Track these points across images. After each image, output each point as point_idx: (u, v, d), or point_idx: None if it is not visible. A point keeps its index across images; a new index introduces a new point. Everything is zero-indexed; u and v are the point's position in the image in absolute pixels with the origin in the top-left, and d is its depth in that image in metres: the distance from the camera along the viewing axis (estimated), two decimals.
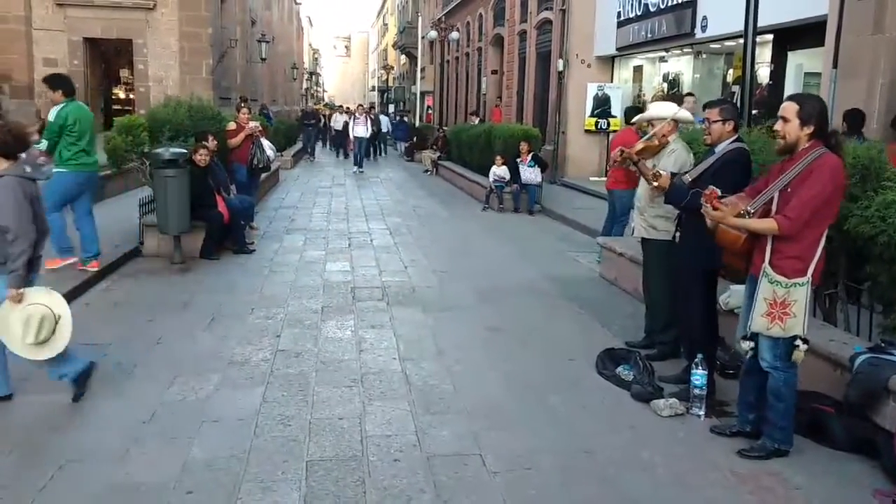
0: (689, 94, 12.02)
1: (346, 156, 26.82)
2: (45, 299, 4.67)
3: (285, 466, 4.02)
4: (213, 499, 3.70)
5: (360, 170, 21.94)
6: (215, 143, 9.90)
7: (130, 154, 9.38)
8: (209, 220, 9.06)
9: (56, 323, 4.66)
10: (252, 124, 11.12)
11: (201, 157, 9.15)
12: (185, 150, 8.88)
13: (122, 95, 26.27)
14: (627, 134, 8.12)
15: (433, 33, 32.57)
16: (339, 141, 28.54)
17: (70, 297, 7.01)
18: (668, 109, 5.84)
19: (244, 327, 6.53)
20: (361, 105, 27.53)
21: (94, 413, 4.68)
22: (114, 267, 8.43)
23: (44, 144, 7.57)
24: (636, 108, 10.14)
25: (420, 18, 35.09)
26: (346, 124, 26.84)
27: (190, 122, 10.18)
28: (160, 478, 3.88)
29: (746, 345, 4.38)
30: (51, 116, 7.80)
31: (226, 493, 3.74)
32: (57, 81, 7.96)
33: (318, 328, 6.61)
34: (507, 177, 14.34)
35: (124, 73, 25.46)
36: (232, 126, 10.95)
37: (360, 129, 22.77)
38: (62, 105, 7.77)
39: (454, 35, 31.08)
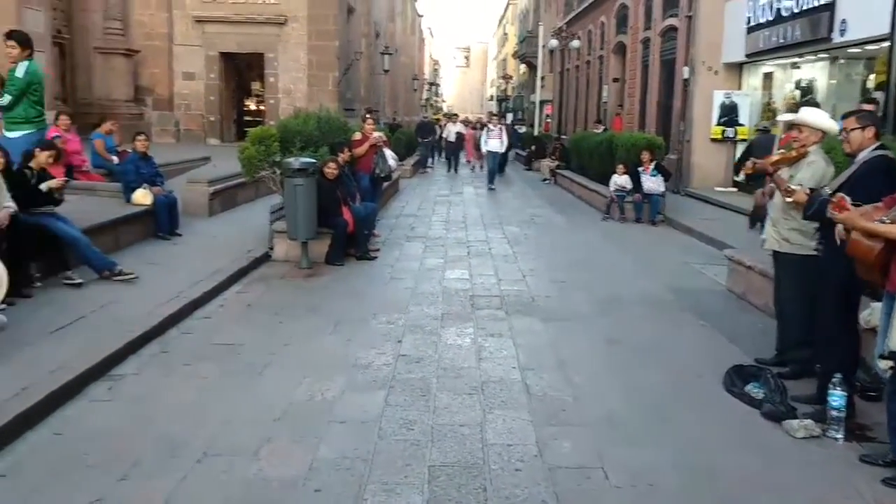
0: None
1: (457, 170, 25.41)
2: None
3: (408, 470, 4.10)
4: (339, 498, 3.81)
5: (490, 186, 19.69)
6: (348, 154, 10.23)
7: (263, 163, 9.81)
8: (335, 228, 9.35)
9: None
10: (376, 134, 11.40)
11: (330, 171, 9.45)
12: (315, 161, 9.20)
13: (252, 107, 27.51)
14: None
15: (554, 42, 32.46)
16: (452, 153, 26.36)
17: (206, 299, 7.45)
18: (818, 118, 5.54)
19: (367, 332, 6.70)
20: (495, 115, 24.89)
21: (230, 410, 4.90)
22: (246, 271, 8.81)
23: (6, 100, 7.59)
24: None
25: (541, 27, 35.04)
26: (459, 136, 26.07)
27: (318, 133, 10.55)
28: (290, 475, 4.03)
29: (885, 364, 4.14)
30: (18, 72, 7.61)
31: (352, 494, 3.84)
32: (24, 37, 7.79)
33: (438, 335, 6.70)
34: (629, 186, 14.10)
35: (255, 85, 26.66)
36: (357, 136, 11.26)
37: (494, 143, 20.30)
38: (27, 62, 7.66)
39: (575, 43, 30.85)
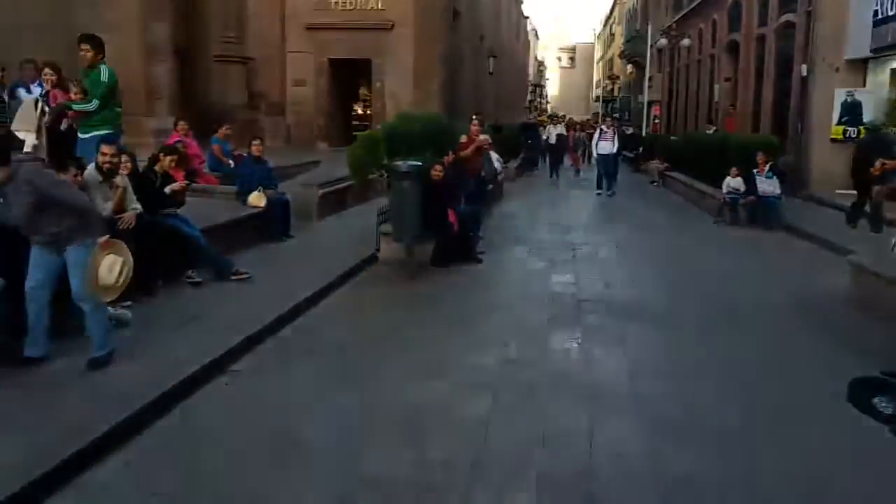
0: None
1: (559, 174, 23.42)
2: (124, 254, 5.36)
3: (516, 475, 4.07)
4: (447, 499, 3.83)
5: (608, 192, 18.45)
6: (453, 157, 10.29)
7: (371, 166, 9.98)
8: (441, 230, 9.41)
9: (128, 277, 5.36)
10: (482, 137, 11.41)
11: (436, 173, 9.52)
12: (421, 163, 9.29)
13: (359, 111, 28.04)
14: None
15: (663, 41, 31.71)
16: (553, 157, 24.36)
17: (316, 298, 7.63)
18: None
19: (474, 334, 6.71)
20: (609, 116, 22.38)
21: (340, 407, 5.00)
22: (354, 272, 8.98)
23: (95, 104, 7.63)
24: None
25: (649, 27, 34.27)
26: (560, 138, 24.61)
27: (424, 136, 10.65)
28: (399, 473, 4.08)
29: None
30: (102, 76, 7.68)
31: (459, 495, 3.85)
32: (99, 41, 7.79)
33: (545, 339, 6.64)
34: (743, 188, 13.59)
35: (362, 90, 27.16)
36: (463, 139, 11.31)
37: (606, 145, 18.74)
38: (104, 66, 7.72)
39: (685, 42, 30.04)
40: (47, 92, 8.81)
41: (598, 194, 18.41)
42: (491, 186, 13.65)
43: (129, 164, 7.24)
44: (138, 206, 6.97)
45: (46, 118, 7.78)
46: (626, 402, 5.19)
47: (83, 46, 7.64)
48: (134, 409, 4.55)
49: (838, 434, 4.68)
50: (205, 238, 7.81)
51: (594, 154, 18.93)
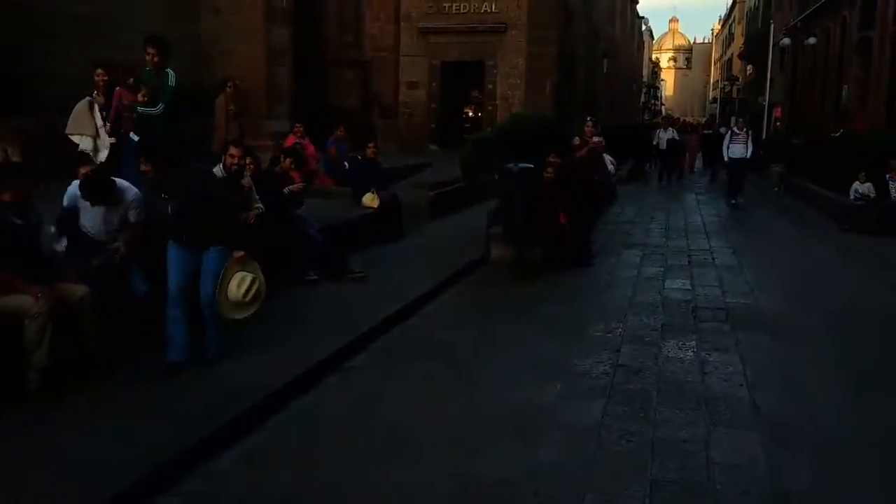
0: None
1: (670, 182, 22.05)
2: (257, 272, 5.42)
3: (629, 483, 4.00)
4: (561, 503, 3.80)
5: (733, 201, 16.75)
6: (562, 159, 10.18)
7: (482, 168, 10.01)
8: (551, 232, 9.34)
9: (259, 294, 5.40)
10: (595, 139, 11.25)
11: (548, 175, 9.47)
12: (532, 165, 9.25)
13: (470, 114, 28.20)
14: None
15: (786, 40, 30.47)
16: (665, 163, 22.70)
17: (427, 298, 7.73)
18: None
19: (584, 339, 6.62)
20: (741, 118, 19.35)
21: (451, 407, 5.04)
22: (464, 273, 9.04)
23: (161, 108, 7.33)
24: None
25: (772, 25, 32.99)
26: (672, 143, 22.50)
27: (535, 138, 10.58)
28: (510, 475, 4.08)
29: None
30: (171, 81, 7.37)
31: (571, 501, 3.81)
32: (165, 43, 7.40)
33: (658, 346, 6.48)
34: (872, 194, 12.86)
35: (474, 92, 27.31)
36: (577, 141, 11.17)
37: (739, 148, 16.87)
38: (171, 71, 7.41)
39: (811, 41, 28.74)
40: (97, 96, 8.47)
41: (736, 204, 16.47)
42: (605, 189, 13.40)
43: (251, 166, 7.53)
44: (261, 205, 7.23)
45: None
46: (744, 413, 5.01)
47: (149, 49, 7.27)
48: (251, 404, 4.73)
49: None
50: (322, 237, 8.03)
51: (725, 158, 17.10)
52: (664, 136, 22.62)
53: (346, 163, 12.66)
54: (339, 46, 21.88)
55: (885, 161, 12.83)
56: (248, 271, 5.36)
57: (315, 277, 7.78)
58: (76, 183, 5.61)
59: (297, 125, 12.30)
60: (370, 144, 11.25)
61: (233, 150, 6.86)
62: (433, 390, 5.35)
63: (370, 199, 10.50)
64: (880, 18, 22.17)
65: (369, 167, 11.02)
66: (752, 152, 17.35)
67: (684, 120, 36.59)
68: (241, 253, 5.33)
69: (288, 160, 8.18)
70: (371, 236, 10.12)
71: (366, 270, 8.17)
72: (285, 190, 7.92)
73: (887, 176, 12.65)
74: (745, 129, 17.33)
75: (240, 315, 5.37)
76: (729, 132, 17.70)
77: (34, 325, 4.56)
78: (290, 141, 11.49)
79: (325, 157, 12.83)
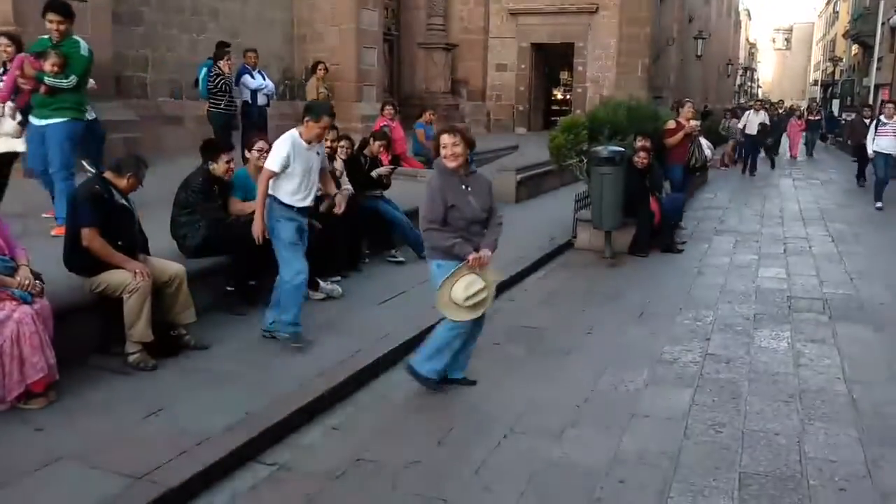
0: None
1: (753, 172, 19.77)
2: (490, 278, 4.84)
3: (717, 474, 3.91)
4: (643, 493, 3.75)
5: (881, 205, 13.72)
6: (649, 143, 9.98)
7: (570, 152, 9.89)
8: (640, 218, 9.18)
9: (482, 305, 4.80)
10: (692, 123, 10.94)
11: (640, 160, 9.30)
12: (623, 149, 9.08)
13: (559, 96, 27.89)
14: None
15: None
16: (751, 150, 20.22)
17: (512, 282, 7.71)
18: None
19: (672, 326, 6.50)
20: (891, 102, 15.25)
21: (536, 391, 5.03)
22: (549, 257, 8.98)
23: (73, 80, 6.50)
24: None
25: (882, 3, 31.29)
26: (763, 127, 20.14)
27: (627, 122, 10.40)
28: (593, 462, 4.05)
29: None
30: (83, 50, 6.57)
31: (656, 490, 3.76)
32: (68, 8, 6.59)
33: (749, 336, 6.30)
34: None
35: (563, 74, 26.97)
36: (671, 125, 10.90)
37: (888, 141, 13.87)
38: (80, 39, 6.64)
39: None
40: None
41: (879, 208, 13.61)
42: (699, 174, 13.04)
43: (348, 149, 7.67)
44: (349, 187, 7.36)
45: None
46: (840, 407, 4.83)
47: (51, 17, 6.45)
48: (340, 379, 4.84)
49: None
50: (408, 219, 8.11)
51: (870, 151, 14.20)
52: (755, 119, 20.36)
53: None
54: (428, 30, 21.98)
55: None
56: (481, 277, 4.74)
57: (401, 259, 7.89)
58: None
59: (387, 108, 12.44)
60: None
61: (327, 135, 7.00)
62: (517, 374, 5.34)
63: None
64: None
65: None
66: None
67: (790, 104, 34.87)
68: (477, 256, 4.70)
69: (377, 143, 8.27)
70: None
71: None
72: (373, 173, 8.02)
73: None
74: (894, 118, 14.07)
75: (455, 316, 4.81)
76: (875, 121, 14.64)
77: (132, 300, 4.77)
78: (379, 124, 11.62)
79: (413, 140, 12.94)
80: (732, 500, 3.66)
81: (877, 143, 13.93)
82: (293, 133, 5.33)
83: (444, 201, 4.64)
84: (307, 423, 4.40)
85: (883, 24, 30.25)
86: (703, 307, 7.10)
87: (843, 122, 30.31)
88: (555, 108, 26.47)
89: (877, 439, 4.35)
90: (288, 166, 5.24)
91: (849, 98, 45.61)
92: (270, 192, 5.32)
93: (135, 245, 5.08)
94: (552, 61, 25.65)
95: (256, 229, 5.33)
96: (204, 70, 11.07)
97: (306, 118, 5.32)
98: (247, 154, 6.54)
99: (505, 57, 23.55)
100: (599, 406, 4.80)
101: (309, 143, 5.35)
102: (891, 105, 14.18)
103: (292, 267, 5.30)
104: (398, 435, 4.36)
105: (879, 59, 32.09)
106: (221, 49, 11.09)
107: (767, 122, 20.80)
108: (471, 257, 4.66)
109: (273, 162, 5.25)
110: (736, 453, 4.15)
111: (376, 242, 8.06)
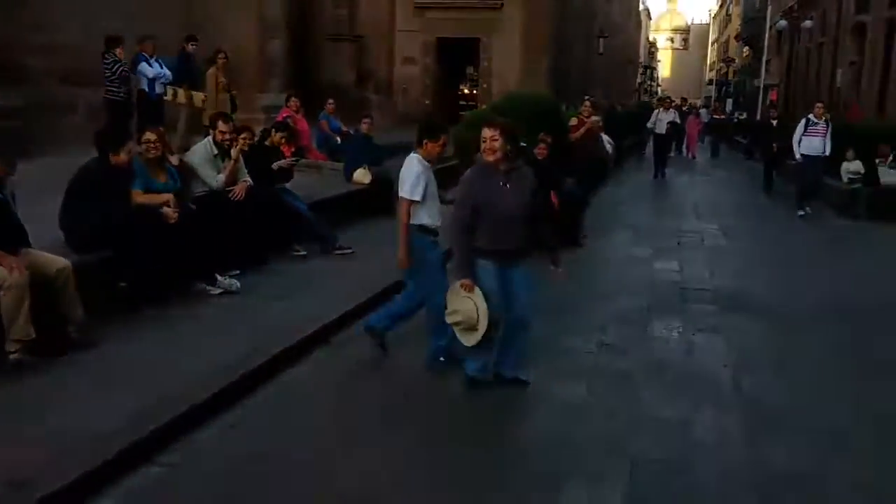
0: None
1: (664, 174, 18.71)
2: (466, 305, 4.67)
3: (609, 461, 4.04)
4: (541, 480, 3.84)
5: (807, 211, 12.90)
6: (550, 138, 10.16)
7: (476, 146, 9.96)
8: (542, 212, 9.33)
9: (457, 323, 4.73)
10: (593, 118, 11.20)
11: (541, 151, 9.46)
12: (526, 144, 9.20)
13: (466, 91, 28.07)
14: None
15: (783, 23, 30.39)
16: (659, 150, 19.20)
17: None
18: None
19: (571, 318, 6.64)
20: (821, 103, 14.00)
21: (446, 382, 5.06)
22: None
23: None
24: None
25: (769, 7, 32.85)
26: (673, 126, 19.64)
27: (531, 118, 10.55)
28: (495, 451, 4.12)
29: None
30: None
31: (553, 477, 3.85)
32: None
33: (644, 326, 6.52)
34: (862, 171, 12.78)
35: (469, 69, 27.16)
36: (574, 121, 11.14)
37: (814, 143, 12.83)
38: None
39: (807, 24, 28.65)
40: None
41: (802, 214, 12.85)
42: (603, 169, 13.34)
43: (247, 140, 7.50)
44: (248, 178, 7.22)
45: None
46: (727, 394, 5.06)
47: None
48: (239, 375, 4.75)
49: None
50: (311, 212, 8.02)
51: (797, 154, 13.10)
52: (664, 117, 19.43)
53: (337, 138, 12.61)
54: (334, 21, 21.73)
55: (875, 147, 12.82)
56: (465, 302, 4.65)
57: (303, 253, 7.78)
58: None
59: (292, 99, 12.21)
60: (365, 120, 11.18)
61: (222, 126, 6.86)
62: (421, 367, 5.35)
63: (362, 176, 10.46)
64: (875, 2, 22.09)
65: (363, 143, 10.96)
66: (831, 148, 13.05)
67: (688, 101, 35.89)
68: (469, 284, 4.61)
69: (278, 134, 8.14)
70: (362, 213, 10.10)
71: (356, 247, 8.16)
72: (274, 165, 7.89)
73: (877, 161, 12.65)
74: (823, 118, 13.06)
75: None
76: (804, 120, 13.33)
77: (8, 297, 4.53)
78: (283, 115, 11.43)
79: (316, 132, 12.77)
80: (623, 486, 3.78)
81: (804, 145, 12.94)
82: (414, 157, 5.15)
83: (473, 198, 4.58)
84: (202, 422, 4.29)
85: (770, 27, 31.73)
86: (601, 299, 7.30)
87: (736, 120, 31.55)
88: (462, 102, 26.62)
89: (759, 424, 4.59)
90: (425, 191, 5.06)
91: (741, 97, 47.69)
92: (412, 220, 5.07)
93: (10, 238, 4.81)
94: (459, 56, 25.78)
95: (402, 261, 5.13)
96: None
97: (425, 140, 5.16)
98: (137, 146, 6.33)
99: (412, 50, 23.52)
100: (502, 398, 4.85)
101: (430, 162, 5.18)
102: (820, 105, 13.52)
103: (443, 291, 4.99)
104: (298, 432, 4.31)
105: (768, 62, 33.66)
106: (116, 36, 10.68)
107: (678, 120, 20.62)
108: (463, 283, 4.61)
109: (412, 191, 5.01)
110: (628, 440, 4.29)
111: (279, 236, 7.91)
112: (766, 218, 13.03)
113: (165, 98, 11.33)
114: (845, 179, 13.13)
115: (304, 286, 6.78)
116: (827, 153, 12.78)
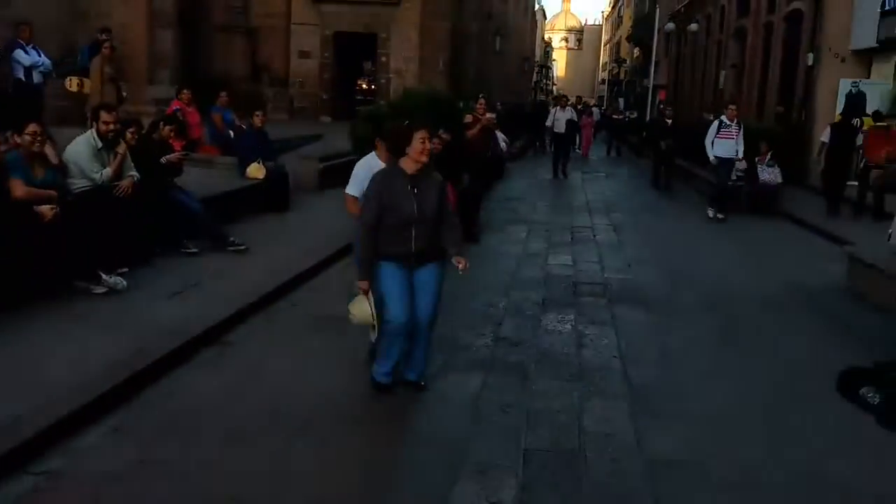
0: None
1: (566, 173, 18.69)
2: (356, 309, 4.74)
3: (504, 453, 4.09)
4: (435, 475, 3.85)
5: (719, 216, 12.58)
6: (448, 135, 10.21)
7: (373, 142, 9.91)
8: None
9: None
10: (488, 115, 11.32)
11: (436, 146, 9.48)
12: None
13: (364, 86, 27.94)
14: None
15: (670, 25, 31.54)
16: (560, 149, 18.95)
17: (312, 273, 7.64)
18: None
19: (466, 313, 6.69)
20: (732, 105, 14.04)
21: (333, 383, 5.01)
22: (352, 247, 8.93)
23: None
24: None
25: (658, 10, 34.05)
26: (571, 125, 19.54)
27: (428, 114, 10.58)
28: (387, 449, 4.11)
29: None
30: None
31: (447, 471, 3.87)
32: None
33: (538, 320, 6.65)
34: (745, 166, 13.41)
35: (367, 65, 27.02)
36: (469, 118, 11.23)
37: (728, 145, 12.64)
38: None
39: (693, 27, 29.85)
40: None
41: (720, 218, 12.55)
42: (498, 165, 13.53)
43: (134, 134, 7.21)
44: (135, 173, 6.95)
45: None
46: (616, 384, 5.21)
47: None
48: (123, 377, 4.56)
49: (828, 421, 4.70)
50: (202, 208, 7.79)
51: (710, 157, 12.78)
52: (562, 116, 19.28)
53: (231, 132, 12.31)
54: (227, 12, 21.20)
55: (756, 145, 13.47)
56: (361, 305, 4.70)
57: (194, 250, 7.55)
58: None
59: (183, 91, 11.82)
60: (258, 113, 10.95)
61: (105, 116, 6.56)
62: (314, 366, 5.30)
63: (256, 170, 10.26)
64: (754, 7, 23.23)
65: (256, 137, 10.74)
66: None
67: (585, 100, 36.64)
68: (366, 289, 4.64)
69: (167, 128, 7.87)
70: (256, 209, 9.91)
71: (249, 243, 7.99)
72: (163, 159, 7.62)
73: (756, 159, 13.30)
74: (735, 120, 12.85)
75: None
76: (717, 123, 13.08)
77: None
78: (172, 108, 11.05)
79: (209, 126, 12.43)
80: (517, 478, 3.84)
81: (717, 148, 12.69)
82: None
83: (378, 199, 4.53)
84: (85, 426, 4.09)
85: (659, 30, 32.89)
86: (496, 294, 7.39)
87: (628, 119, 32.53)
88: (360, 97, 26.46)
89: (646, 411, 4.74)
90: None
91: (631, 97, 49.24)
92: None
93: None
94: (357, 51, 25.60)
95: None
96: None
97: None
98: (16, 138, 5.99)
99: (308, 44, 23.18)
100: (395, 394, 4.84)
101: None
102: (733, 107, 13.38)
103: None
104: (186, 434, 4.17)
105: (657, 63, 34.88)
106: None
107: (575, 118, 20.67)
108: (360, 285, 4.63)
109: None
110: (522, 432, 4.36)
111: (167, 232, 7.65)
112: (655, 213, 13.51)
113: (70, 89, 10.80)
114: (733, 177, 13.72)
115: (194, 285, 6.58)
116: (740, 156, 12.84)
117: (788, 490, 3.86)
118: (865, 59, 17.12)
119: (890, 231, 5.65)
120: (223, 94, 12.77)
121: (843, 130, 13.11)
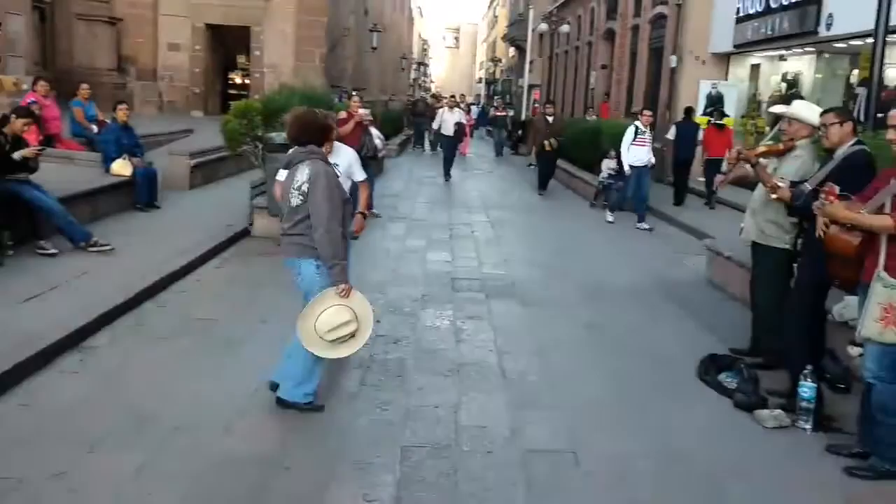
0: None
1: (448, 175, 17.63)
2: (358, 309, 4.43)
3: (381, 450, 4.07)
4: (310, 475, 3.79)
5: (648, 226, 12.04)
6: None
7: (245, 137, 9.69)
8: None
9: (353, 333, 4.37)
10: (361, 111, 11.24)
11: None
12: None
13: (238, 81, 27.20)
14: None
15: (544, 26, 32.27)
16: (449, 152, 18.18)
17: (183, 272, 7.37)
18: (811, 112, 5.46)
19: None
20: (650, 110, 13.48)
21: (203, 385, 4.83)
22: (225, 246, 8.71)
23: None
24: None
25: (531, 11, 34.77)
26: (460, 127, 18.45)
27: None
28: (262, 451, 4.00)
29: (855, 351, 4.18)
30: None
31: (323, 471, 3.82)
32: None
33: (416, 316, 6.66)
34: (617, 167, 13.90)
35: (241, 59, 26.33)
36: (343, 114, 11.11)
37: (641, 153, 12.17)
38: None
39: (564, 28, 30.72)
40: None
41: (648, 229, 12.02)
42: (371, 162, 13.46)
43: None
44: None
45: None
46: (492, 377, 5.28)
47: None
48: None
49: (692, 407, 4.96)
50: (62, 206, 7.37)
51: (625, 167, 12.30)
52: (450, 118, 18.35)
53: (94, 126, 11.71)
54: (88, 0, 20.17)
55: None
56: (349, 307, 4.34)
57: (52, 251, 7.12)
58: None
59: (39, 83, 11.11)
60: (121, 107, 10.46)
61: None
62: (184, 368, 5.11)
63: (121, 167, 9.81)
64: (622, 10, 24.18)
65: (120, 132, 10.25)
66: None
67: (466, 98, 36.87)
68: (345, 286, 4.34)
69: (20, 121, 7.37)
70: (122, 206, 9.48)
71: (115, 243, 7.62)
72: (16, 155, 7.14)
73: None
74: (649, 126, 12.35)
75: (318, 350, 4.32)
76: (632, 129, 12.28)
77: None
78: (27, 100, 10.38)
79: (70, 120, 11.78)
80: (394, 473, 3.83)
81: (632, 155, 12.15)
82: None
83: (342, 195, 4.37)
84: None
85: (533, 30, 33.62)
86: (375, 291, 7.32)
87: (498, 116, 32.96)
88: (233, 92, 25.72)
89: (521, 404, 4.84)
90: None
91: (508, 96, 50.18)
92: None
93: None
94: (230, 44, 24.89)
95: None
96: None
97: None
98: None
99: (178, 36, 22.34)
100: (270, 395, 4.73)
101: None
102: (648, 112, 12.83)
103: None
104: (41, 446, 3.92)
105: (531, 62, 35.66)
106: None
107: (463, 121, 19.91)
108: (347, 287, 4.37)
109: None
110: (399, 428, 4.35)
111: (22, 232, 7.18)
112: (532, 210, 13.80)
113: None
114: (606, 175, 14.18)
115: (52, 287, 6.22)
116: (652, 163, 12.50)
117: (656, 474, 4.01)
118: (723, 61, 18.15)
119: (742, 225, 5.97)
120: (84, 86, 12.12)
121: (686, 128, 14.27)
